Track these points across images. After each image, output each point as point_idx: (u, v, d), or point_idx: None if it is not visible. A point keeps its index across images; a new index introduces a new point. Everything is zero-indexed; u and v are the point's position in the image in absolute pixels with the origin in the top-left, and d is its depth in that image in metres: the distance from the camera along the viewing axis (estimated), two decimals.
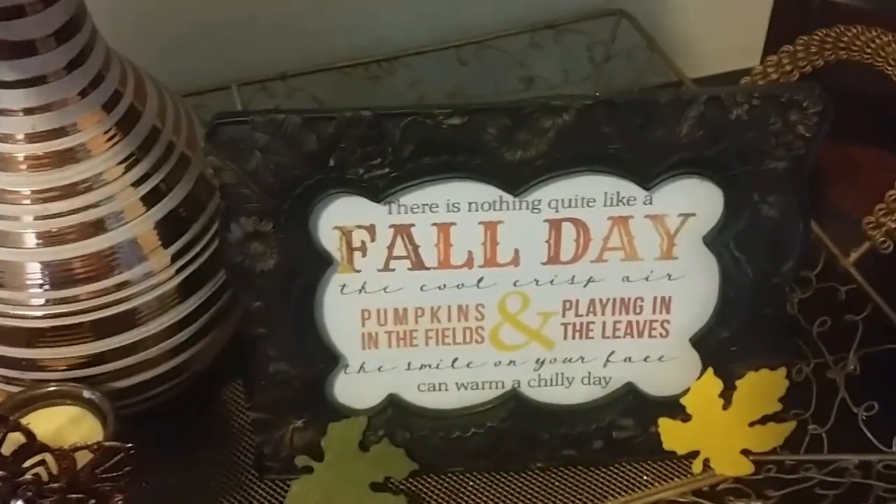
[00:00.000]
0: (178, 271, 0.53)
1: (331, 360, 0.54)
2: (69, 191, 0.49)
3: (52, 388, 0.51)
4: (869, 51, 0.62)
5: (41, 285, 0.50)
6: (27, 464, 0.46)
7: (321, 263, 0.52)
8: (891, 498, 0.51)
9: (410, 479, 0.56)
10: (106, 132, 0.50)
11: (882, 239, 0.58)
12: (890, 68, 0.61)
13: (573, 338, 0.55)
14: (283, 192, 0.49)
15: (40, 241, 0.49)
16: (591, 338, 0.55)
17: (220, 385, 0.61)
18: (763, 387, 0.55)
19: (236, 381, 0.61)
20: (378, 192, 0.50)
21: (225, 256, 0.50)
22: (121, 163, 0.50)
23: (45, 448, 0.47)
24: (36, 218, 0.49)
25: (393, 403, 0.56)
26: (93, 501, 0.46)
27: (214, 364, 0.59)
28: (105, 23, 0.53)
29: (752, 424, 0.55)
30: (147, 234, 0.51)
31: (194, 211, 0.53)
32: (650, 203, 0.51)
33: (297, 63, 0.73)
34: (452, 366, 0.55)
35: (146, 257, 0.51)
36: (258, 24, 0.72)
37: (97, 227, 0.50)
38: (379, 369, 0.55)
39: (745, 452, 0.56)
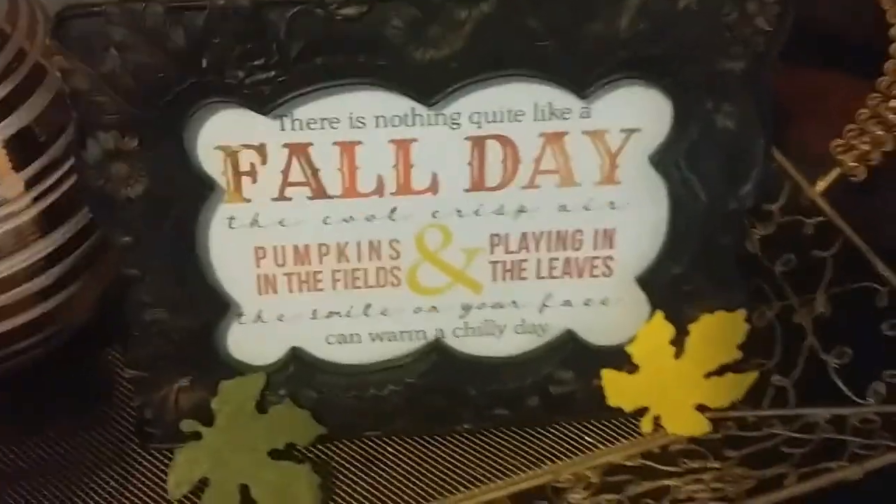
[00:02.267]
0: (36, 200, 0.46)
1: (220, 307, 0.47)
2: None
3: None
4: None
5: None
6: None
7: (202, 190, 0.44)
8: (868, 455, 0.45)
9: (317, 446, 0.50)
10: None
11: (853, 164, 0.52)
12: None
13: (503, 279, 0.49)
14: (147, 101, 0.41)
15: None
16: (524, 279, 0.49)
17: (99, 345, 0.54)
18: (719, 332, 0.48)
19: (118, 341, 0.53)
20: (264, 101, 0.42)
21: (81, 180, 0.43)
22: None
23: None
24: None
25: (296, 358, 0.49)
26: None
27: (91, 319, 0.51)
28: None
29: (707, 376, 0.49)
30: None
31: (52, 131, 0.46)
32: (588, 116, 0.45)
33: None
34: (365, 313, 0.49)
35: None
36: None
37: None
38: (279, 318, 0.48)
39: (701, 408, 0.50)
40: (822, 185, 0.53)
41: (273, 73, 0.41)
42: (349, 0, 0.40)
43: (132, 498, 0.48)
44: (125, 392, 0.52)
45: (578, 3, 0.41)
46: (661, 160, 0.45)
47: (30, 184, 0.45)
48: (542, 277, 0.49)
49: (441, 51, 0.42)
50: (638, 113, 0.45)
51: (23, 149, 0.45)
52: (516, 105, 0.44)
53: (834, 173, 0.53)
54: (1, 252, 0.45)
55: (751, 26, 0.42)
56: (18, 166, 0.45)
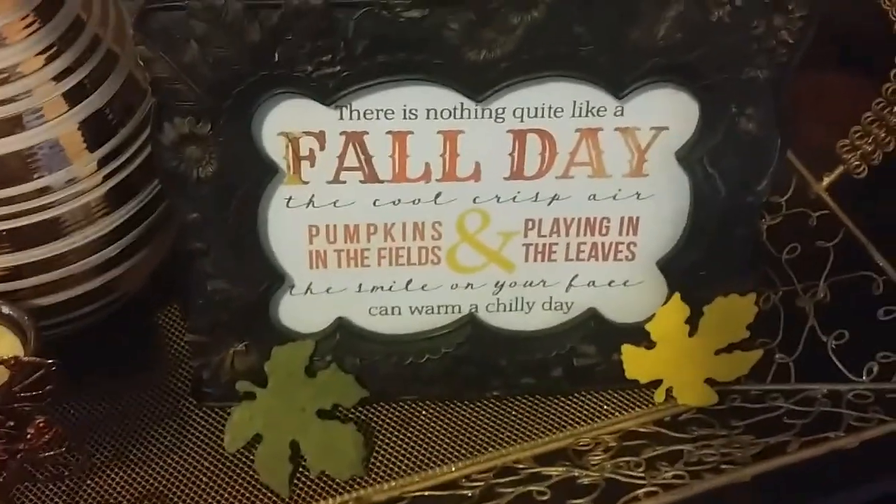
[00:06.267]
0: (106, 178, 0.49)
1: (275, 279, 0.51)
2: None
3: None
4: None
5: None
6: None
7: (265, 172, 0.48)
8: (863, 427, 0.49)
9: (360, 408, 0.53)
10: (23, 18, 0.45)
11: (856, 162, 0.56)
12: None
13: (535, 260, 0.52)
14: (222, 90, 0.44)
15: None
16: (554, 260, 0.52)
17: (155, 309, 0.57)
18: (731, 313, 0.52)
19: (173, 306, 0.57)
20: (328, 93, 0.46)
21: (158, 160, 0.46)
22: (39, 53, 0.45)
23: None
24: None
25: (342, 327, 0.53)
26: (11, 423, 0.42)
27: (148, 286, 0.55)
28: None
29: (717, 353, 0.53)
30: (70, 135, 0.47)
31: (123, 114, 0.49)
32: (621, 115, 0.48)
33: None
34: (406, 288, 0.52)
35: (69, 161, 0.47)
36: None
37: (14, 124, 0.45)
38: (327, 291, 0.52)
39: (710, 382, 0.54)
40: (827, 181, 0.57)
41: (338, 67, 0.45)
42: (412, 4, 0.43)
43: (187, 451, 0.52)
44: (176, 355, 0.55)
45: (621, 13, 0.45)
46: (686, 157, 0.49)
47: (101, 163, 0.48)
48: (571, 259, 0.52)
49: (493, 52, 0.45)
50: (667, 113, 0.48)
51: (96, 130, 0.48)
52: (556, 102, 0.47)
53: (838, 170, 0.56)
54: (70, 227, 0.48)
55: (776, 39, 0.45)
56: (91, 146, 0.48)
